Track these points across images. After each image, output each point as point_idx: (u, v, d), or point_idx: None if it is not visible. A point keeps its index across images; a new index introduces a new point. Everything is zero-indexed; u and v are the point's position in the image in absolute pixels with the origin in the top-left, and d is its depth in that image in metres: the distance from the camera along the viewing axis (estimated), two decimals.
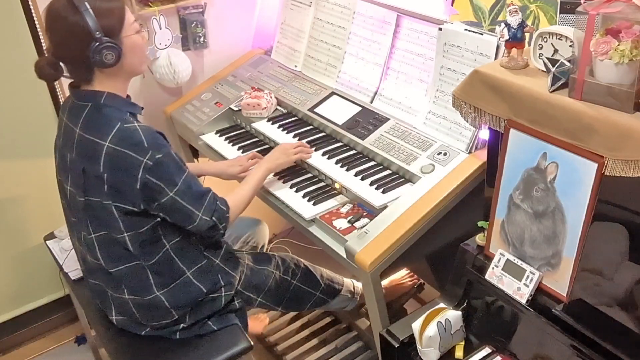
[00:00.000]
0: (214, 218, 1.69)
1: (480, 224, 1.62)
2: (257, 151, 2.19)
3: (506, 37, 1.49)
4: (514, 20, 1.47)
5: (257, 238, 2.21)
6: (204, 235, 1.75)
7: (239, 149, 2.27)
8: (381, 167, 1.98)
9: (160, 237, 1.71)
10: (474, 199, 1.77)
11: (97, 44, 1.55)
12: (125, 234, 1.65)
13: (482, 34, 1.82)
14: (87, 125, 1.62)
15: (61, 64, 1.63)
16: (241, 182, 1.95)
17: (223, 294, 1.82)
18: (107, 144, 1.58)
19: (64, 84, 2.26)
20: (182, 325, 1.79)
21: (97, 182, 1.61)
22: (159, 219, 1.68)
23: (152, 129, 1.63)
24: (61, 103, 2.37)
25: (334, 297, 2.09)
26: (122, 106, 1.66)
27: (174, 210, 1.65)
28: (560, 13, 1.51)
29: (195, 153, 2.63)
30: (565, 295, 1.41)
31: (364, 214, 1.83)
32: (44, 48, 2.27)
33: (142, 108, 1.76)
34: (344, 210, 1.88)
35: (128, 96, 1.74)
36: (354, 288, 2.17)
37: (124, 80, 1.70)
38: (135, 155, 1.57)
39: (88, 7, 1.53)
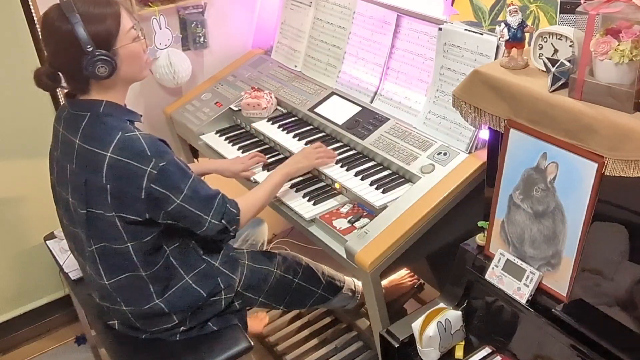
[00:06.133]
0: (223, 221, 1.66)
1: (480, 224, 1.62)
2: (258, 151, 2.19)
3: (506, 37, 1.49)
4: (514, 20, 1.47)
5: (257, 236, 2.20)
6: (214, 238, 1.73)
7: (239, 149, 2.26)
8: (381, 167, 1.98)
9: (161, 245, 1.70)
10: (474, 199, 1.77)
11: (89, 57, 1.50)
12: (129, 244, 1.63)
13: (482, 34, 1.82)
14: (86, 136, 1.58)
15: (59, 73, 1.59)
16: (255, 184, 1.91)
17: (223, 296, 1.81)
18: (109, 154, 1.54)
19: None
20: (182, 328, 1.79)
21: (100, 194, 1.57)
22: (161, 227, 1.66)
23: (153, 136, 1.59)
24: (61, 104, 2.38)
25: (335, 295, 2.09)
26: (122, 115, 1.62)
27: (183, 217, 1.63)
28: (560, 13, 1.52)
29: (195, 153, 2.63)
30: (565, 295, 1.41)
31: (364, 214, 1.83)
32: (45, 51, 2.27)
33: (141, 115, 1.72)
34: (344, 210, 1.88)
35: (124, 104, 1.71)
36: (354, 286, 2.16)
37: (122, 88, 1.65)
38: (138, 165, 1.54)
39: (79, 18, 1.48)
